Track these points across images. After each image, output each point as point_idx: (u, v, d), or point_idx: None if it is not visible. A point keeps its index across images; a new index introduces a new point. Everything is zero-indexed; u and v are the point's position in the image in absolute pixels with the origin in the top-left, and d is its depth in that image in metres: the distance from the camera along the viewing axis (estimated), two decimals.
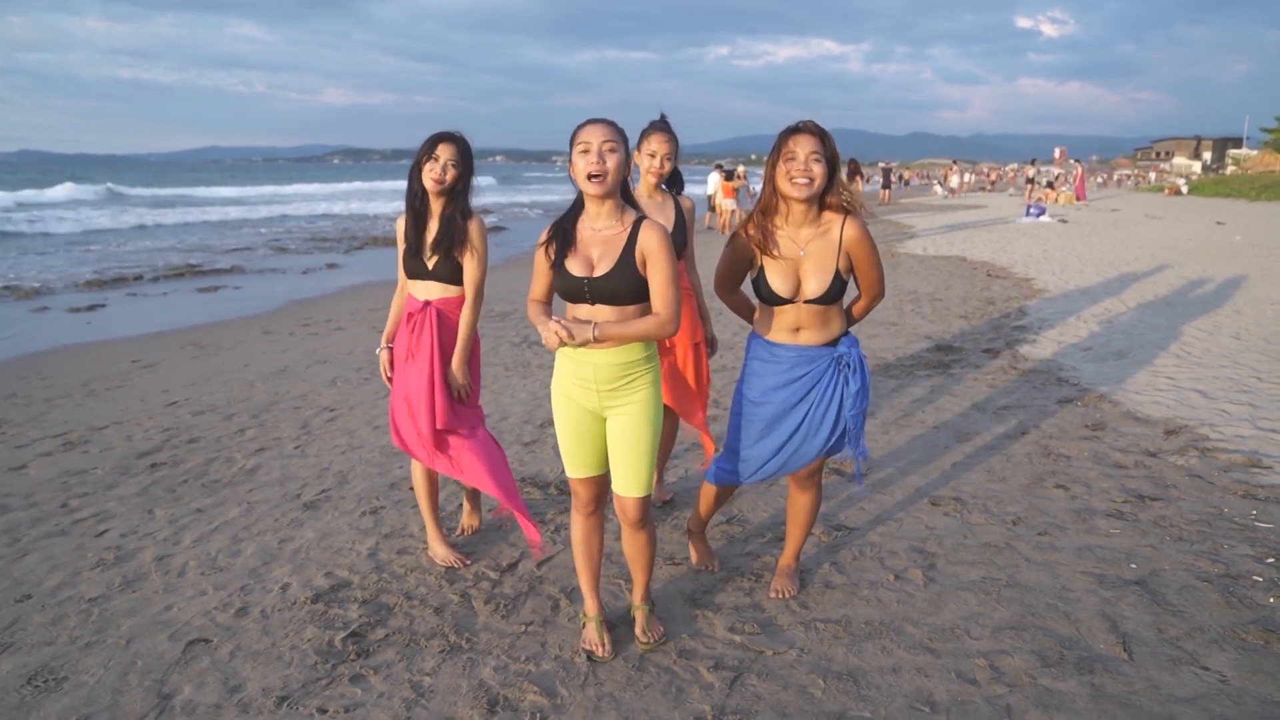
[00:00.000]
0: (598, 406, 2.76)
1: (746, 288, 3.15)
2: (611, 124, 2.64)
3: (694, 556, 3.59)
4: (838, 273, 2.88)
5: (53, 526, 4.09)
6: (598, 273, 2.65)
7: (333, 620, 3.19)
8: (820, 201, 2.87)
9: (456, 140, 3.29)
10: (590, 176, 2.58)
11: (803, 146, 2.77)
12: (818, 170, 2.78)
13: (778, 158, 2.82)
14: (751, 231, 2.92)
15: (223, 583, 3.51)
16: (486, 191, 43.20)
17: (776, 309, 2.97)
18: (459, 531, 3.92)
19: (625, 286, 2.64)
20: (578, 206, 2.75)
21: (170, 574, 3.60)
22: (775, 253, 2.88)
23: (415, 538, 3.90)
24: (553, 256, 2.71)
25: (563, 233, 2.71)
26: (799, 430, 3.02)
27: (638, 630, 3.02)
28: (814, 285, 2.88)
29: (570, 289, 2.69)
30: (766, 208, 2.91)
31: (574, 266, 2.67)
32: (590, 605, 2.99)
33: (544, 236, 2.76)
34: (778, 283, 2.89)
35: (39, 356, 8.06)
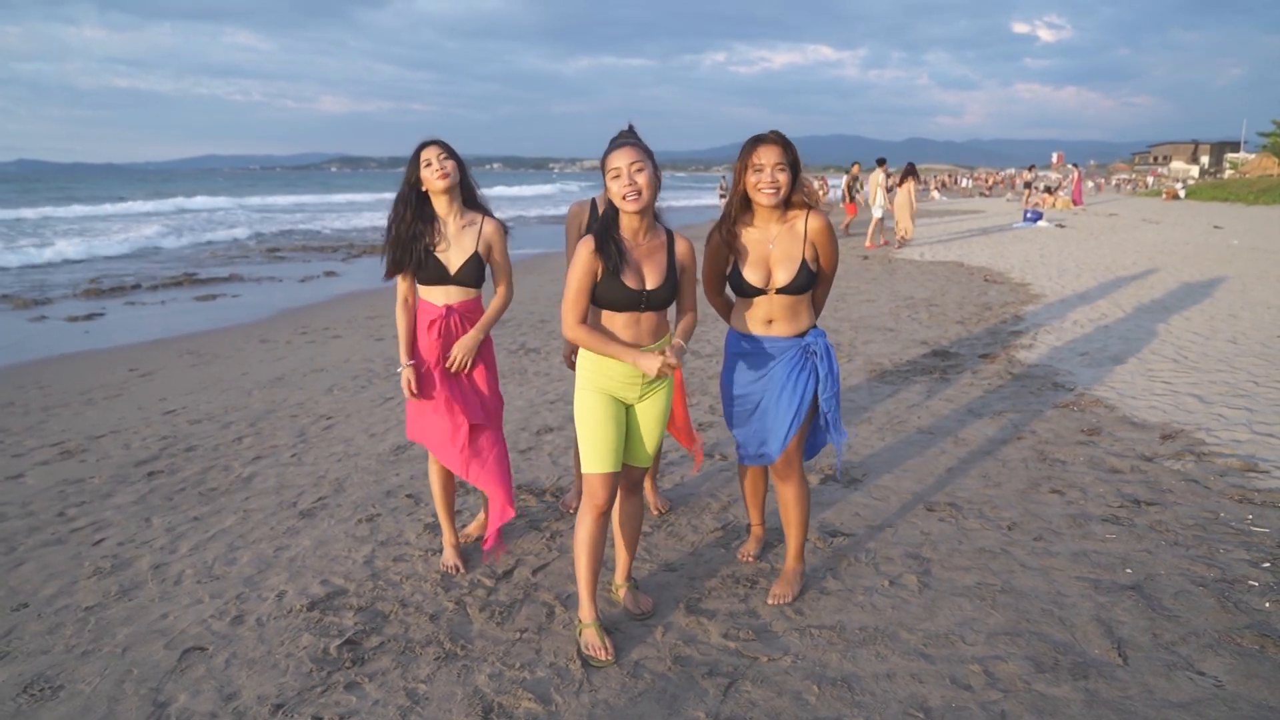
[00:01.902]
0: (636, 397, 3.00)
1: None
2: (635, 145, 2.81)
3: (746, 545, 3.77)
4: (804, 263, 3.07)
5: (49, 535, 4.10)
6: (652, 285, 2.88)
7: (328, 628, 3.20)
8: (786, 202, 3.07)
9: (435, 141, 3.39)
10: (625, 197, 2.78)
11: (768, 157, 2.98)
12: (783, 179, 2.99)
13: (745, 166, 3.02)
14: (724, 232, 3.12)
15: (219, 591, 3.52)
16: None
17: (751, 301, 3.16)
18: (461, 538, 3.91)
19: (671, 295, 2.94)
20: (612, 219, 2.89)
21: (167, 582, 3.60)
22: (745, 252, 3.10)
23: (411, 545, 3.90)
24: (603, 269, 2.82)
25: (616, 245, 2.84)
26: (772, 414, 3.19)
27: (630, 605, 3.26)
28: (783, 275, 3.08)
29: (626, 299, 2.84)
30: (735, 213, 3.11)
31: (628, 279, 2.84)
32: (590, 611, 3.01)
33: (589, 249, 2.81)
34: (750, 274, 3.09)
35: (37, 365, 8.07)
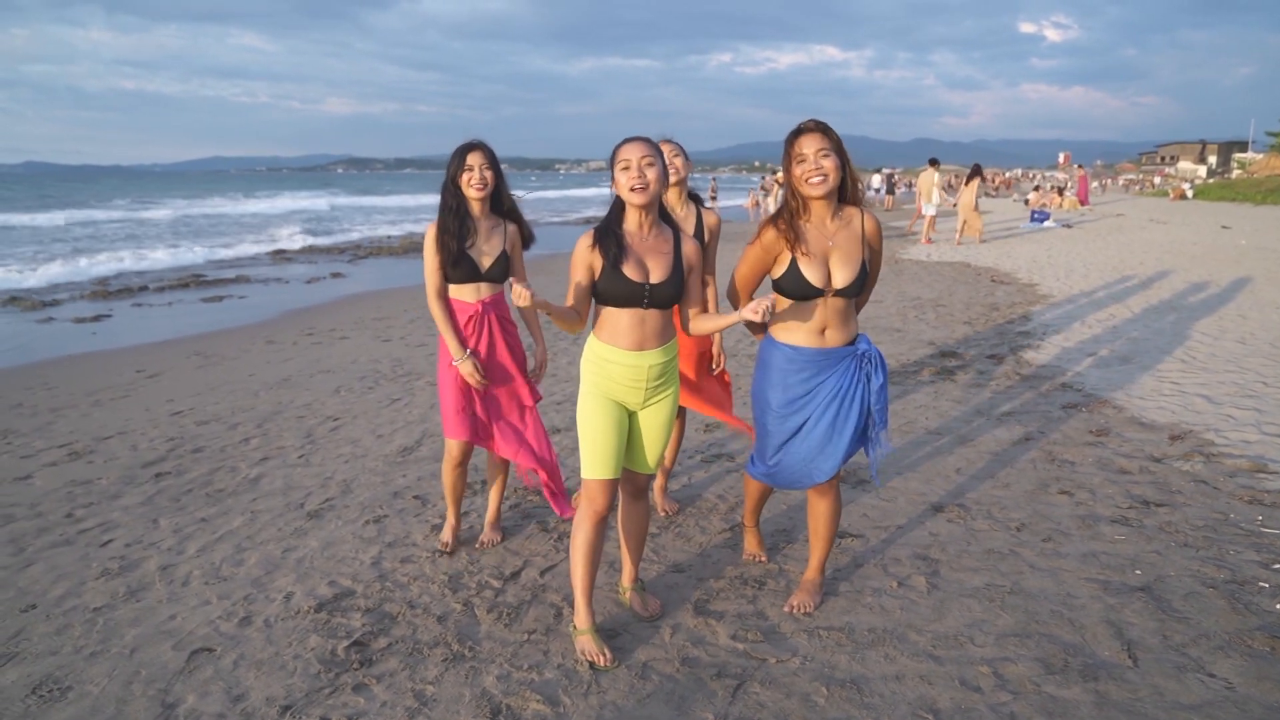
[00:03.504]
0: (640, 403, 2.95)
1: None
2: (648, 140, 2.82)
3: (745, 547, 3.73)
4: (863, 263, 2.96)
5: (58, 536, 4.11)
6: (656, 279, 2.82)
7: (336, 629, 3.20)
8: (840, 195, 2.95)
9: (482, 147, 3.50)
10: (632, 189, 2.77)
11: (809, 145, 2.86)
12: (829, 165, 2.85)
13: (790, 161, 2.91)
14: (782, 227, 2.96)
15: (226, 592, 3.52)
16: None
17: (803, 306, 2.99)
18: (479, 545, 3.90)
19: (676, 292, 2.87)
20: (616, 215, 2.87)
21: (174, 583, 3.61)
22: (804, 249, 2.94)
23: (419, 546, 3.90)
24: (602, 262, 2.81)
25: (616, 239, 2.82)
26: (825, 432, 3.03)
27: (638, 607, 3.24)
28: (843, 275, 2.94)
29: (629, 293, 2.80)
30: (792, 210, 2.98)
31: (630, 272, 2.80)
32: (586, 617, 2.99)
33: (588, 241, 2.84)
34: (811, 274, 2.93)
35: (44, 366, 8.10)
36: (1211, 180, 51.38)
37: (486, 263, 3.55)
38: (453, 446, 3.67)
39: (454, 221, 3.49)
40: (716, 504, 4.31)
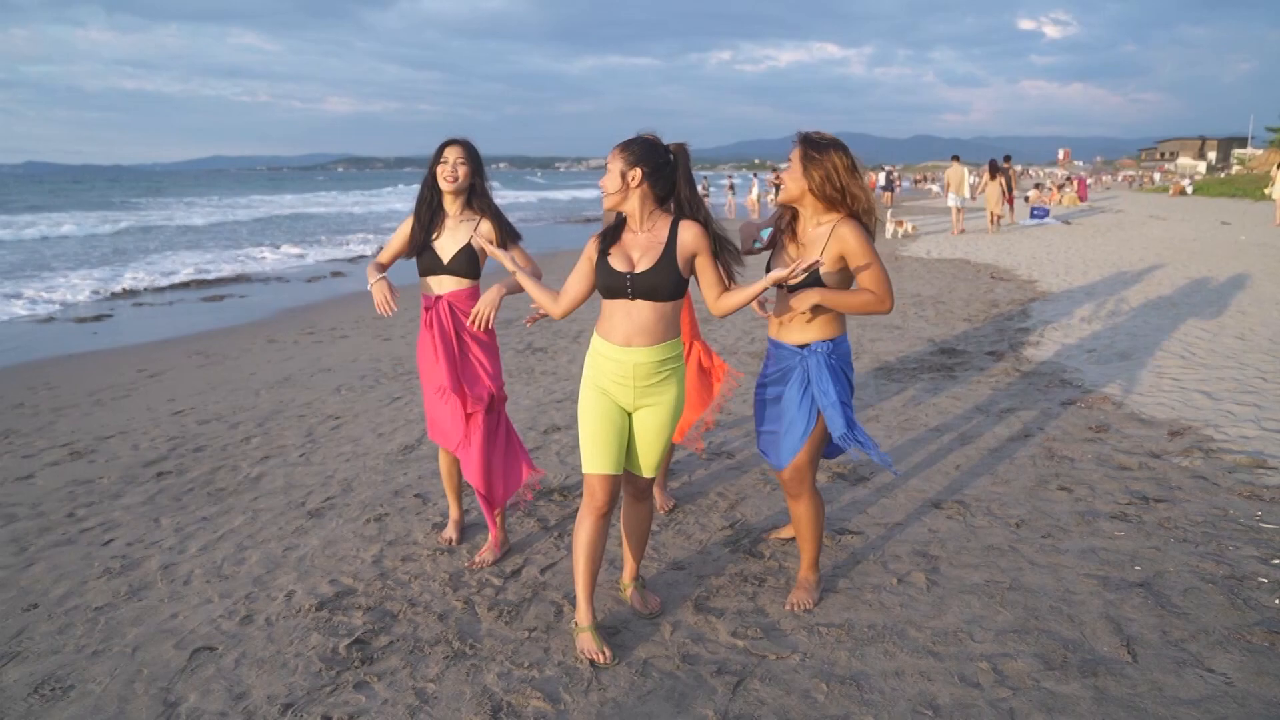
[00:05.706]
0: (631, 402, 2.94)
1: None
2: (618, 147, 2.88)
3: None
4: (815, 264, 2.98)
5: (59, 536, 4.12)
6: (639, 269, 2.84)
7: (337, 627, 3.21)
8: (827, 201, 3.01)
9: (461, 142, 3.57)
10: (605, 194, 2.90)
11: (791, 157, 3.05)
12: (786, 178, 3.05)
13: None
14: (786, 218, 3.16)
15: (228, 591, 3.53)
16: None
17: (777, 297, 3.15)
18: (486, 548, 3.90)
19: (664, 282, 2.83)
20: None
21: (176, 582, 3.62)
22: (784, 243, 3.13)
23: (419, 545, 3.91)
24: (596, 254, 2.92)
25: (613, 231, 2.93)
26: (780, 420, 3.18)
27: (638, 605, 3.26)
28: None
29: (613, 284, 2.86)
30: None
31: (616, 263, 2.87)
32: (587, 614, 2.99)
33: (595, 235, 2.97)
34: (776, 266, 3.06)
35: (46, 366, 8.11)
36: (1211, 176, 51.37)
37: (448, 256, 3.58)
38: None
39: (426, 213, 3.58)
40: (717, 501, 4.32)
